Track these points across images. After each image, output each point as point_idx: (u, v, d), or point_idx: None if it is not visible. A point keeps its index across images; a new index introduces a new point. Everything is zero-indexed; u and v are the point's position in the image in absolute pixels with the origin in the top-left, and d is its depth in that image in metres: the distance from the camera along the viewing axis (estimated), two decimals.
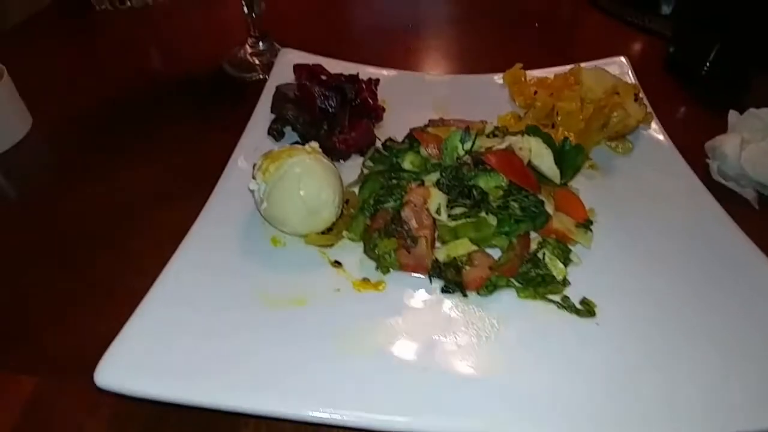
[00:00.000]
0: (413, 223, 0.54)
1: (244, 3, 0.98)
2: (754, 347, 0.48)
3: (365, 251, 0.56)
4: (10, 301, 0.56)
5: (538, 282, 0.53)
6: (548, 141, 0.61)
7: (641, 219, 0.63)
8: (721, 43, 0.99)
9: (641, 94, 0.78)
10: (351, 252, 0.58)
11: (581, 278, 0.55)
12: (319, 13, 1.36)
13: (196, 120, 0.89)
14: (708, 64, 1.02)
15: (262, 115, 0.78)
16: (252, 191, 0.55)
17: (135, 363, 0.43)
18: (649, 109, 0.79)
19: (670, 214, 0.64)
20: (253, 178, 0.54)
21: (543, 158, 0.58)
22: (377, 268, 0.55)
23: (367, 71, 0.88)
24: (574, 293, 0.53)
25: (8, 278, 0.59)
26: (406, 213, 0.55)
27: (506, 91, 0.90)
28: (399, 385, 0.44)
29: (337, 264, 0.56)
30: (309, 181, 0.53)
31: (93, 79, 1.03)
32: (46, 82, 0.99)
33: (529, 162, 0.59)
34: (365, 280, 0.54)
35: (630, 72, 0.86)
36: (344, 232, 0.58)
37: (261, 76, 1.00)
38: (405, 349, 0.48)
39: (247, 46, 1.05)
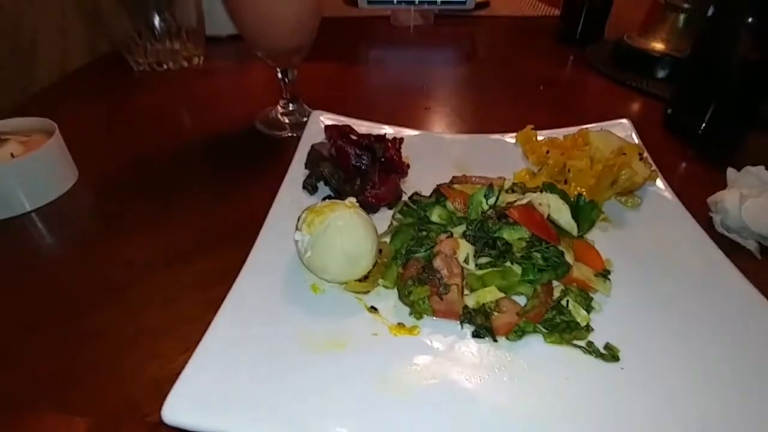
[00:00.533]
0: (445, 272, 0.59)
1: (279, 70, 1.08)
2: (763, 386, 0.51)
3: (400, 298, 0.60)
4: (63, 347, 0.59)
5: (563, 328, 0.57)
6: (564, 197, 0.66)
7: (653, 268, 0.67)
8: (716, 105, 1.08)
9: (645, 154, 0.85)
10: (386, 298, 0.62)
11: (603, 325, 0.58)
12: (341, 76, 1.48)
13: (231, 173, 0.96)
14: (704, 124, 1.10)
15: (297, 170, 0.85)
16: (296, 241, 0.60)
17: (197, 400, 0.46)
18: (654, 167, 0.85)
19: (679, 263, 0.68)
20: (298, 229, 0.60)
21: (561, 213, 0.64)
22: (411, 313, 0.59)
23: (390, 131, 0.96)
24: (597, 339, 0.57)
25: (60, 324, 0.62)
26: (438, 262, 0.60)
27: (519, 150, 0.98)
28: (432, 424, 0.47)
29: (373, 309, 0.60)
30: (350, 233, 0.58)
31: (133, 134, 1.12)
32: (89, 137, 1.08)
33: (549, 216, 0.64)
34: (400, 325, 0.58)
35: (633, 133, 0.94)
36: (379, 280, 0.62)
37: (290, 134, 1.09)
38: (439, 390, 0.50)
39: (279, 107, 1.15)
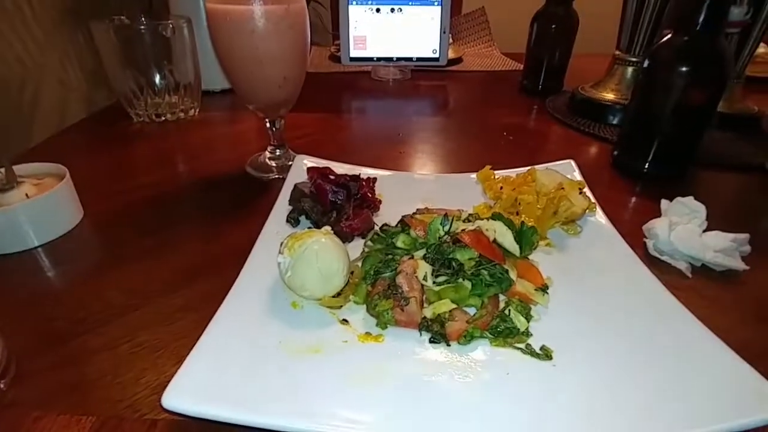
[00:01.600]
0: (406, 288, 0.69)
1: (267, 120, 1.22)
2: (681, 380, 0.60)
3: (367, 310, 0.70)
4: (72, 360, 0.67)
5: (506, 333, 0.66)
6: (509, 224, 0.78)
7: (587, 284, 0.78)
8: (657, 146, 1.22)
9: (585, 189, 0.98)
10: (356, 312, 0.71)
11: (540, 331, 0.68)
12: (325, 124, 1.63)
13: (222, 212, 1.06)
14: (647, 164, 1.24)
15: (282, 207, 0.96)
16: (279, 263, 0.71)
17: (193, 391, 0.54)
18: (593, 200, 0.98)
19: (613, 282, 0.79)
20: (280, 253, 0.70)
21: (505, 237, 0.75)
22: (377, 324, 0.69)
23: (366, 171, 1.09)
24: (534, 342, 0.66)
25: (68, 341, 0.70)
26: (400, 279, 0.70)
27: (479, 187, 1.11)
28: (395, 414, 0.56)
29: (344, 321, 0.69)
30: (325, 255, 0.68)
31: (133, 178, 1.22)
32: (93, 180, 1.18)
33: (495, 240, 0.76)
34: (368, 334, 0.67)
35: (576, 171, 1.07)
36: (351, 296, 0.72)
37: (277, 176, 1.21)
38: (401, 386, 0.59)
39: (267, 152, 1.28)
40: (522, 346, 0.66)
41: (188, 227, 1.00)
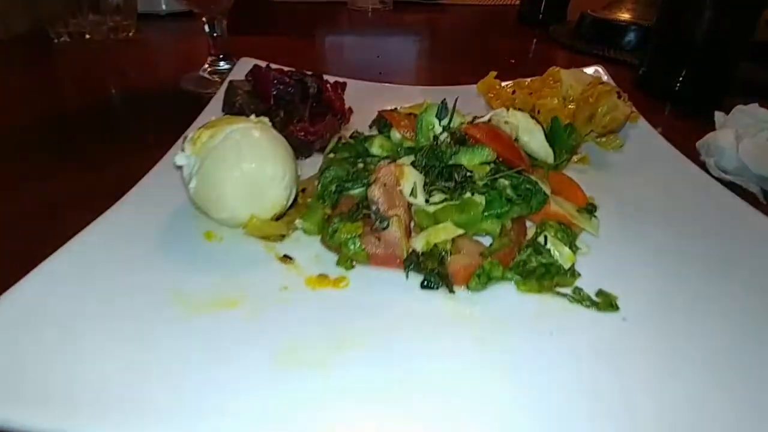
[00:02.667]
0: (382, 203, 0.43)
1: (205, 20, 0.93)
2: None
3: (323, 240, 0.45)
4: None
5: (542, 273, 0.42)
6: (535, 119, 0.53)
7: (645, 208, 0.55)
8: (690, 63, 1.02)
9: (623, 93, 0.73)
10: (307, 247, 0.46)
11: (591, 269, 0.44)
12: (290, 50, 1.35)
13: (151, 133, 0.81)
14: (680, 80, 1.03)
15: (212, 115, 0.68)
16: (180, 168, 0.44)
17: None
18: (634, 108, 0.74)
19: (674, 202, 0.56)
20: (182, 150, 0.43)
21: (533, 134, 0.50)
22: (338, 262, 0.43)
23: (335, 79, 0.81)
24: (586, 286, 0.42)
25: None
26: (375, 191, 0.44)
27: (481, 100, 0.85)
28: (360, 411, 0.31)
29: (287, 259, 0.44)
30: (251, 151, 0.42)
31: (50, 100, 0.95)
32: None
33: (517, 139, 0.50)
34: (322, 277, 0.42)
35: (607, 76, 0.82)
36: (297, 221, 0.46)
37: None
38: (370, 361, 0.34)
39: (206, 65, 0.99)
40: (569, 291, 0.41)
41: (103, 151, 0.74)
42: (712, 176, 0.68)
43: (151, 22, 1.53)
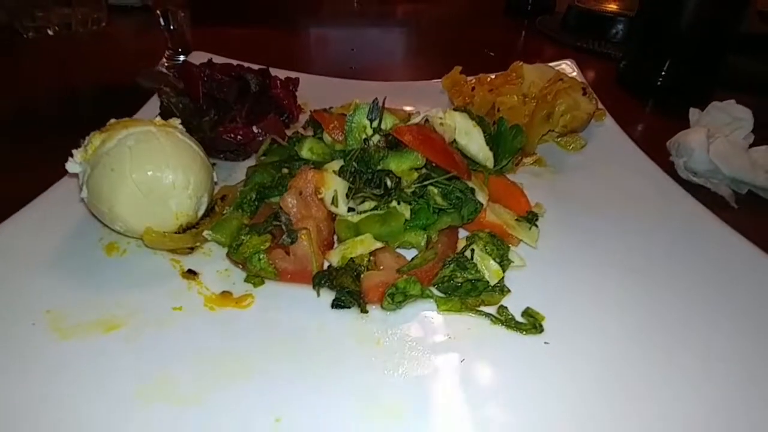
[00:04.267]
0: (294, 213, 0.40)
1: (160, 15, 0.89)
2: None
3: (228, 255, 0.41)
4: None
5: (467, 290, 0.38)
6: (479, 121, 0.49)
7: (595, 216, 0.51)
8: (673, 57, 0.98)
9: (589, 89, 0.69)
10: (216, 260, 0.42)
11: (524, 284, 0.40)
12: (267, 40, 1.31)
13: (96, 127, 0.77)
14: (663, 74, 0.99)
15: (149, 113, 0.64)
16: (75, 175, 0.40)
17: None
18: (600, 105, 0.69)
19: (630, 210, 0.52)
20: (72, 157, 0.39)
21: (471, 137, 0.46)
22: (247, 278, 0.40)
23: (287, 74, 0.77)
24: (515, 303, 0.38)
25: None
26: (287, 201, 0.41)
27: (445, 97, 0.81)
28: None
29: (190, 274, 0.40)
30: (146, 158, 0.38)
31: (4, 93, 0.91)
32: None
33: (454, 142, 0.46)
34: (225, 295, 0.38)
35: (577, 70, 0.78)
36: (206, 233, 0.42)
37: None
38: (243, 393, 0.31)
39: (164, 59, 0.95)
40: (492, 310, 0.38)
41: (33, 150, 0.71)
42: (680, 178, 0.63)
43: (124, 14, 1.49)
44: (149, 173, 0.38)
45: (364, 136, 0.47)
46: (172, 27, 0.91)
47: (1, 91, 0.95)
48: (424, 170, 0.43)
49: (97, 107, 0.88)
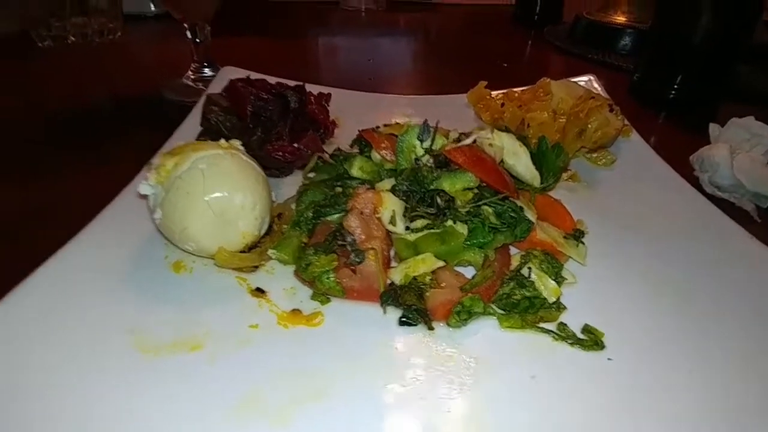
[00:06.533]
0: (359, 233, 0.41)
1: (187, 27, 0.91)
2: None
3: (296, 273, 0.42)
4: None
5: (525, 307, 0.40)
6: (522, 140, 0.51)
7: (635, 232, 0.53)
8: (685, 70, 1.00)
9: (616, 107, 0.71)
10: (281, 278, 0.43)
11: (577, 301, 0.42)
12: (280, 52, 1.32)
13: (126, 141, 0.79)
14: (675, 88, 1.01)
15: (190, 130, 0.66)
16: (146, 198, 0.42)
17: None
18: (626, 121, 0.71)
19: (667, 225, 0.54)
20: (145, 180, 0.41)
21: (519, 157, 0.48)
22: (313, 296, 0.41)
23: (318, 88, 0.79)
24: (572, 320, 0.40)
25: None
26: (351, 221, 0.42)
27: (471, 111, 0.83)
28: None
29: (259, 292, 0.42)
30: (218, 181, 0.40)
31: (26, 104, 0.93)
32: None
33: (502, 161, 0.48)
34: (295, 312, 0.40)
35: (600, 87, 0.80)
36: (270, 251, 0.44)
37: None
38: (335, 410, 0.32)
39: (190, 72, 0.97)
40: (553, 327, 0.40)
41: (76, 161, 0.72)
42: (705, 193, 0.66)
43: (139, 23, 1.50)
44: (222, 195, 0.39)
45: (414, 156, 0.49)
46: (198, 40, 0.93)
47: (24, 100, 0.96)
48: (476, 190, 0.45)
49: (124, 119, 0.88)
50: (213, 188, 0.39)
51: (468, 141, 0.47)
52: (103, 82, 1.07)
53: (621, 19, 1.42)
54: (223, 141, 0.44)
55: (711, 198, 0.65)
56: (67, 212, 0.58)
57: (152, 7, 1.57)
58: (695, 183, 0.68)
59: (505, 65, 1.28)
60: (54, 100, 0.95)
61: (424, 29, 1.75)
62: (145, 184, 0.40)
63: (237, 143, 0.45)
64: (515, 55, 1.42)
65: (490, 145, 0.47)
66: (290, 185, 0.58)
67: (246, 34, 1.40)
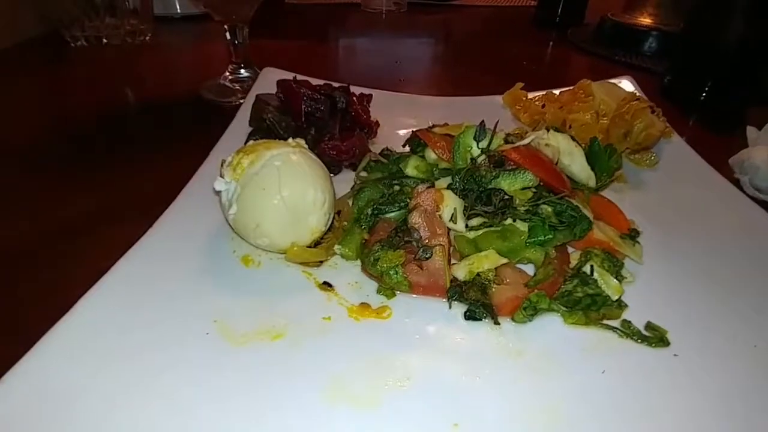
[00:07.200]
0: (425, 230, 0.43)
1: (227, 29, 0.93)
2: None
3: (363, 268, 0.44)
4: None
5: (587, 304, 0.41)
6: (576, 140, 0.52)
7: (684, 231, 0.54)
8: (715, 74, 1.00)
9: (657, 108, 0.72)
10: (345, 272, 0.45)
11: (638, 299, 0.43)
12: (305, 54, 1.34)
13: (168, 141, 0.80)
14: (705, 91, 1.01)
15: (239, 128, 0.68)
16: (219, 193, 0.43)
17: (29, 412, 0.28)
18: (667, 123, 0.72)
19: (714, 225, 0.55)
20: (221, 176, 0.42)
21: (574, 157, 0.49)
22: (379, 290, 0.43)
23: (358, 89, 0.80)
24: (634, 317, 0.41)
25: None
26: (416, 218, 0.44)
27: (507, 112, 0.84)
28: None
29: (327, 286, 0.43)
30: (292, 178, 0.41)
31: (66, 109, 0.94)
32: (15, 111, 0.91)
33: (558, 161, 0.49)
34: (364, 306, 0.41)
35: (638, 89, 0.81)
36: (336, 247, 0.45)
37: (242, 101, 0.92)
38: (418, 397, 0.34)
39: (227, 73, 0.99)
40: (617, 323, 0.40)
41: (120, 163, 0.74)
42: (747, 194, 0.66)
43: (166, 24, 1.52)
44: (296, 191, 0.41)
45: (471, 156, 0.50)
46: (237, 41, 0.95)
47: (70, 103, 0.98)
48: (534, 189, 0.46)
49: (169, 122, 0.89)
50: (288, 185, 0.41)
51: (525, 141, 0.48)
52: (142, 83, 1.09)
53: (647, 20, 1.41)
54: (291, 140, 0.45)
55: (752, 199, 0.66)
56: (129, 216, 0.60)
57: (178, 9, 1.59)
58: (736, 185, 0.69)
59: (525, 63, 1.29)
60: (94, 103, 0.97)
61: (445, 31, 1.76)
62: (220, 180, 0.42)
63: (302, 142, 0.47)
64: (539, 57, 1.42)
65: (547, 145, 0.48)
66: (341, 182, 0.59)
67: (268, 36, 1.41)
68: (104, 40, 1.33)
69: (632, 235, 0.48)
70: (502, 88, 1.01)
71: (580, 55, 1.42)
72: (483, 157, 0.49)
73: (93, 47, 1.31)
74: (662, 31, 1.36)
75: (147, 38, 1.40)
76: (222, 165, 0.44)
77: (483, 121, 0.50)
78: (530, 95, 0.84)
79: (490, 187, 0.47)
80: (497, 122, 0.50)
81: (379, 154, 0.59)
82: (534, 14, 1.83)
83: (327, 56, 1.37)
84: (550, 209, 0.45)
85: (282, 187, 0.40)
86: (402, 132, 0.71)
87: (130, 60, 1.24)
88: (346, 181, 0.59)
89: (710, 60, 0.98)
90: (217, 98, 0.95)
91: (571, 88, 0.80)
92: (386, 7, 1.88)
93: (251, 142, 0.44)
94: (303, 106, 0.58)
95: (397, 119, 0.79)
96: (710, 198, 0.59)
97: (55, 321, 0.36)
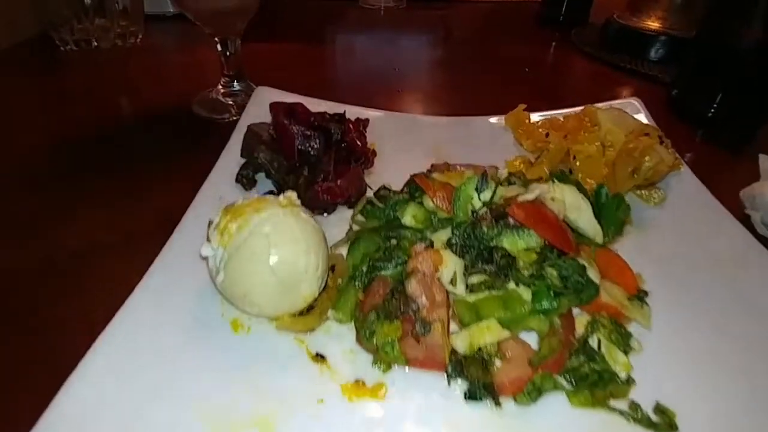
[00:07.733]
0: (423, 301, 0.40)
1: (218, 41, 0.89)
2: None
3: (358, 340, 0.41)
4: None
5: (594, 381, 0.39)
6: (582, 190, 0.49)
7: (693, 284, 0.51)
8: (727, 87, 0.97)
9: (666, 139, 0.69)
10: (339, 339, 0.43)
11: (646, 373, 0.41)
12: (301, 58, 1.29)
13: (158, 164, 0.77)
14: (714, 106, 0.97)
15: (231, 159, 0.65)
16: (206, 259, 0.41)
17: None
18: (677, 154, 0.69)
19: (725, 275, 0.52)
20: (208, 240, 0.40)
21: (581, 212, 0.46)
22: (375, 362, 0.41)
23: (353, 111, 0.77)
24: (642, 396, 0.39)
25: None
26: (413, 287, 0.41)
27: (509, 135, 0.81)
28: None
29: (319, 358, 0.41)
30: (282, 246, 0.38)
31: (51, 119, 0.91)
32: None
33: (564, 216, 0.47)
34: (358, 384, 0.39)
35: (647, 115, 0.78)
36: (329, 312, 0.43)
37: (235, 118, 0.89)
38: None
39: (220, 86, 0.95)
40: (624, 405, 0.38)
41: (104, 186, 0.71)
42: (757, 234, 0.64)
43: (157, 23, 1.47)
44: (287, 260, 0.38)
45: (472, 209, 0.47)
46: (228, 53, 0.91)
47: (59, 115, 0.94)
48: (539, 249, 0.44)
49: (159, 140, 0.85)
50: (277, 254, 0.38)
51: (530, 196, 0.45)
52: (131, 95, 1.05)
53: (655, 24, 1.37)
54: (283, 196, 0.42)
55: (763, 240, 0.63)
56: (112, 251, 0.57)
57: (170, 8, 1.54)
58: (746, 221, 0.66)
59: (527, 70, 1.25)
60: (83, 114, 0.94)
61: (445, 28, 1.71)
62: (207, 246, 0.39)
63: (293, 196, 0.44)
64: (541, 61, 1.38)
65: (553, 199, 0.46)
66: (334, 225, 0.56)
67: (264, 34, 1.36)
68: (94, 43, 1.28)
69: (640, 296, 0.45)
70: (503, 90, 0.97)
71: (584, 59, 1.38)
72: (484, 209, 0.46)
73: (83, 51, 1.27)
74: (671, 36, 1.32)
75: (138, 40, 1.35)
76: (209, 227, 0.41)
77: (485, 171, 0.47)
78: (533, 116, 0.81)
79: (492, 244, 0.44)
80: (497, 170, 0.47)
81: (376, 194, 0.56)
82: (537, 11, 1.78)
83: (323, 61, 1.33)
84: (554, 273, 0.42)
85: (272, 256, 0.38)
86: (401, 159, 0.68)
87: (121, 66, 1.20)
88: (341, 221, 0.57)
89: (721, 74, 0.95)
90: (210, 114, 0.91)
91: (576, 110, 0.76)
92: (384, 4, 1.83)
93: (248, 198, 0.41)
94: (296, 145, 0.55)
95: (395, 142, 0.76)
96: (721, 245, 0.57)
97: None
